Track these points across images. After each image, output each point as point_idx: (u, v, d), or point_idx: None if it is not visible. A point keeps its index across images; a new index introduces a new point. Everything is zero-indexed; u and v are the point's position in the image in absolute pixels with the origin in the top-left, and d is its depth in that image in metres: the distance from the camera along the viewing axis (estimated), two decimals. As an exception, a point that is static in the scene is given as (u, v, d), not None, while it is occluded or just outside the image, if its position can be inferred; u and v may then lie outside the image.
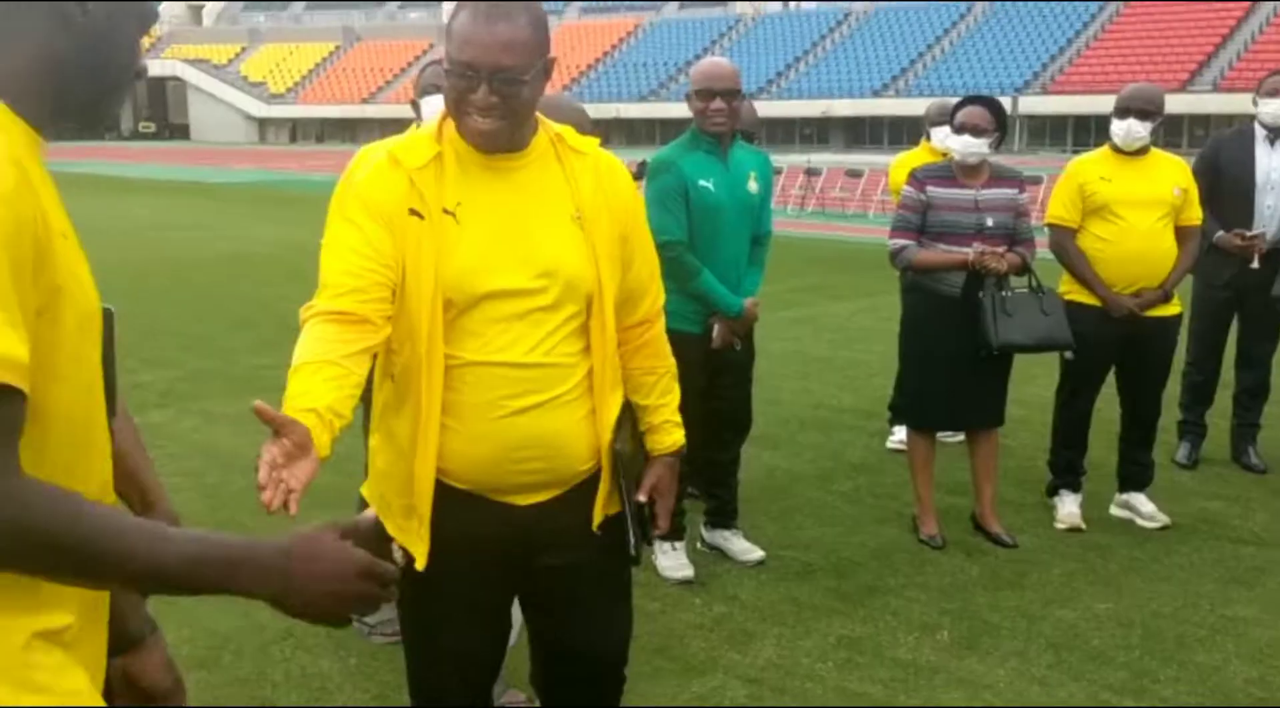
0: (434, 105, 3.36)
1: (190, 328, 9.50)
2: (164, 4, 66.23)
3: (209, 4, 68.22)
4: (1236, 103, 28.68)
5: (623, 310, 2.28)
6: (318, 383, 1.94)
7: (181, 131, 62.17)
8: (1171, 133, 33.72)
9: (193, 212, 20.74)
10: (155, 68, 63.12)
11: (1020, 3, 47.83)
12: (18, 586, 1.32)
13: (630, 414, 2.33)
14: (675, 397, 2.44)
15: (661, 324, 2.43)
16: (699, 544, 4.65)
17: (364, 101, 57.49)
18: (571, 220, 2.18)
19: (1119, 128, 4.80)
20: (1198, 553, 4.59)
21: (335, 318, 2.02)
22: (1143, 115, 4.73)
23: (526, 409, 2.14)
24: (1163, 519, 4.84)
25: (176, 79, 62.53)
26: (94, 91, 1.49)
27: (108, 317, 1.80)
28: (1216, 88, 37.39)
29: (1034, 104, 41.34)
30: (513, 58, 2.03)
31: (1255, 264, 5.38)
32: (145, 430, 6.16)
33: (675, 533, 4.39)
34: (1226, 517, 4.99)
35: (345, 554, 1.46)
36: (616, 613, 2.45)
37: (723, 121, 4.13)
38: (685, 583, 4.29)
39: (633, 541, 2.29)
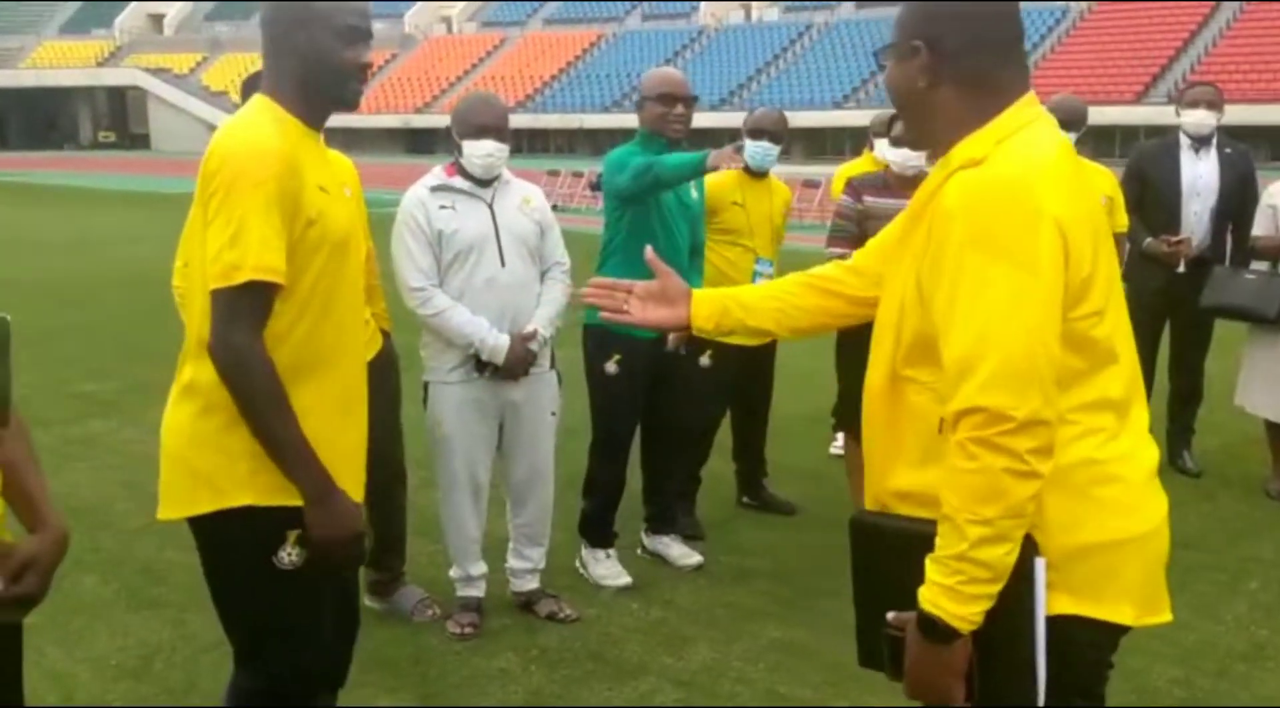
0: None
1: (139, 340, 9.39)
2: (123, 14, 65.83)
3: (170, 14, 67.72)
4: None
5: None
6: (758, 287, 2.30)
7: (142, 141, 61.58)
8: (1128, 142, 34.15)
9: (150, 223, 20.51)
10: (114, 77, 62.66)
11: (979, 15, 48.13)
12: None
13: None
14: None
15: None
16: (639, 550, 4.66)
17: (326, 112, 57.08)
18: None
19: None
20: (1130, 555, 4.64)
21: None
22: (1068, 127, 4.81)
23: None
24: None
25: (136, 89, 61.98)
26: (327, 89, 2.36)
27: (2, 325, 1.80)
28: (1170, 99, 37.96)
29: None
30: None
31: (1182, 268, 5.46)
32: (84, 441, 6.16)
33: (606, 541, 4.42)
34: (1160, 520, 5.06)
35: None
36: None
37: (681, 127, 4.22)
38: (623, 590, 4.30)
39: None
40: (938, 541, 1.72)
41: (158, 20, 68.43)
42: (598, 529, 4.42)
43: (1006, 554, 1.69)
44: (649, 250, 2.25)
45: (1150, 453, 1.92)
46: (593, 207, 19.92)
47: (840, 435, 6.01)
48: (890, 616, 1.83)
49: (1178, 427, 5.81)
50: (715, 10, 55.11)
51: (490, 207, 3.83)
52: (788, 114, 5.36)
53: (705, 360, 4.49)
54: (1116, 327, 1.84)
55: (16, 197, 26.95)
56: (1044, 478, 1.68)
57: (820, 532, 4.94)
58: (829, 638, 3.91)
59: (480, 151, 3.77)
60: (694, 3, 55.87)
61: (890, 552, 1.86)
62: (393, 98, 53.64)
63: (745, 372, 4.98)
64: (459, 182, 3.83)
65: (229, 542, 2.33)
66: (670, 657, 3.78)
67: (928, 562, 1.73)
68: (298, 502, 2.27)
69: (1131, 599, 1.86)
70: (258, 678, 2.45)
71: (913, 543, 1.77)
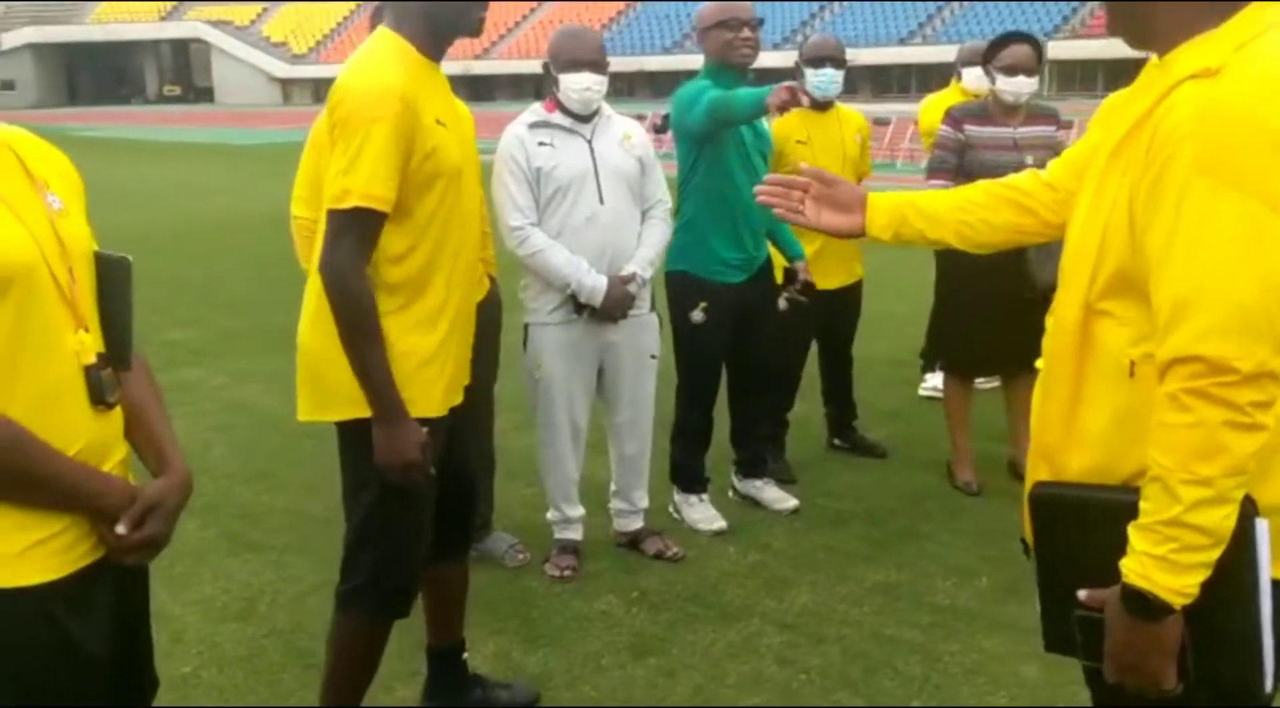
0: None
1: (221, 288, 9.54)
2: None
3: (229, -35, 67.96)
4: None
5: None
6: (943, 194, 2.09)
7: (206, 94, 62.20)
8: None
9: (221, 174, 20.79)
10: (176, 30, 63.17)
11: (1050, -55, 46.94)
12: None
13: None
14: None
15: None
16: (730, 493, 4.63)
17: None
18: None
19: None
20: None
21: None
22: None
23: None
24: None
25: (199, 41, 62.49)
26: (448, 16, 2.52)
27: (124, 266, 1.78)
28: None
29: (1064, 49, 40.65)
30: None
31: None
32: (176, 388, 6.22)
33: (699, 485, 4.39)
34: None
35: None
36: None
37: (751, 52, 4.06)
38: (719, 534, 4.28)
39: None
40: (1144, 505, 1.55)
41: (218, -28, 68.73)
42: (689, 474, 4.39)
43: (1226, 517, 1.50)
44: (804, 165, 2.13)
45: None
46: (658, 150, 19.77)
47: (930, 376, 5.92)
48: (1083, 594, 1.66)
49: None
50: (776, -53, 54.15)
51: (590, 143, 3.77)
52: (851, 52, 5.08)
53: (783, 303, 4.38)
54: None
55: (90, 150, 27.29)
56: (1268, 431, 1.50)
57: (913, 474, 4.87)
58: (932, 580, 3.86)
59: (579, 84, 3.71)
60: (755, -60, 54.92)
61: (1080, 525, 1.69)
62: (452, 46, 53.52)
63: (830, 313, 4.88)
64: (558, 117, 3.77)
65: (350, 447, 2.60)
66: (773, 600, 3.75)
67: (1132, 530, 1.56)
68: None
69: None
70: (349, 579, 2.71)
71: (1108, 513, 1.61)
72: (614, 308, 3.78)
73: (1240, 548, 1.55)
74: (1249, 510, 1.55)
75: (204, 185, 18.49)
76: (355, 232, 2.41)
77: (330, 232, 2.43)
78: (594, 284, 3.72)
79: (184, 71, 66.12)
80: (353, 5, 62.20)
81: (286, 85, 59.57)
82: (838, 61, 4.67)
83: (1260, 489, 1.56)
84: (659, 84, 42.05)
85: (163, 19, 64.16)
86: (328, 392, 2.54)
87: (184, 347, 7.37)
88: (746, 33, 4.02)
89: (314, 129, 3.52)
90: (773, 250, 4.42)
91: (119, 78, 66.45)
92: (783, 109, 3.64)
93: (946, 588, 3.81)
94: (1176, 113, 1.54)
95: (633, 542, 4.14)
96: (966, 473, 4.69)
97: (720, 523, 4.32)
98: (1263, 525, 1.57)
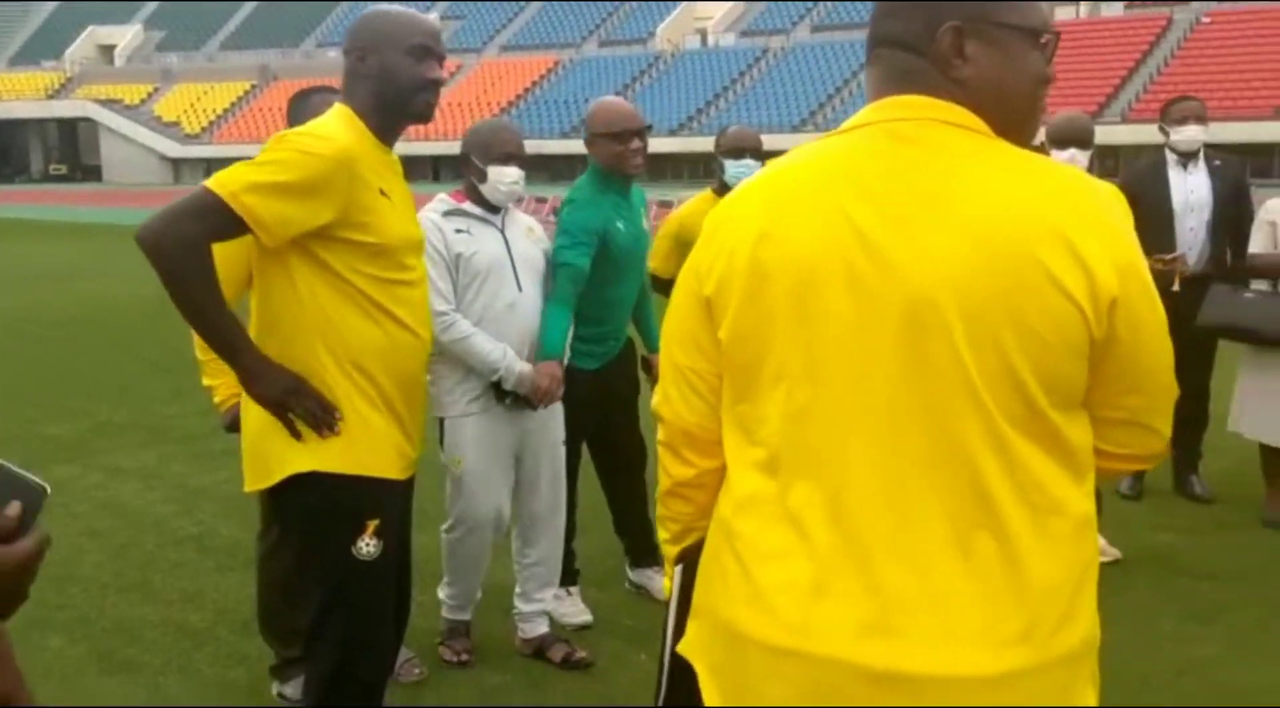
0: None
1: (105, 376, 9.09)
2: (74, 45, 65.17)
3: (121, 44, 67.05)
4: (1144, 133, 29.45)
5: None
6: None
7: (93, 173, 60.82)
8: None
9: (106, 255, 20.14)
10: (65, 109, 61.88)
11: (934, 38, 48.62)
12: None
13: None
14: None
15: None
16: (625, 584, 4.55)
17: (282, 141, 56.70)
18: None
19: (1062, 157, 4.72)
20: (1154, 589, 4.48)
21: None
22: (1083, 145, 4.68)
23: None
24: (1114, 553, 4.72)
25: (87, 120, 61.24)
26: (398, 102, 2.54)
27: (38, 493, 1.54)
28: (1125, 119, 38.37)
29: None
30: None
31: (1176, 287, 5.30)
32: (53, 488, 5.85)
33: (567, 577, 4.25)
34: (1177, 550, 4.90)
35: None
36: None
37: (641, 162, 4.04)
38: (584, 627, 4.15)
39: None
40: None
41: (108, 50, 67.80)
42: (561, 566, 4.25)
43: None
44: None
45: None
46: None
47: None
48: None
49: (1184, 452, 5.67)
50: (671, 36, 55.34)
51: (503, 232, 3.75)
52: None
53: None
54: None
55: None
56: None
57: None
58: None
59: (508, 178, 3.70)
60: (651, 28, 56.14)
61: None
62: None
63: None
64: (470, 207, 3.75)
65: (295, 514, 2.55)
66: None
67: None
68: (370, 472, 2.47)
69: None
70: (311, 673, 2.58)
71: None
72: (544, 397, 3.71)
73: None
74: None
75: (87, 267, 17.87)
76: (213, 221, 2.34)
77: (190, 203, 2.35)
78: (522, 370, 3.66)
79: (70, 149, 64.66)
80: (247, 85, 61.75)
81: (178, 165, 58.56)
82: (757, 153, 4.64)
83: None
84: (556, 167, 42.41)
85: (50, 97, 62.83)
86: (265, 458, 2.50)
87: (59, 442, 6.95)
88: (635, 143, 4.00)
89: None
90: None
91: (3, 156, 64.76)
92: (541, 399, 3.68)
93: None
94: None
95: (538, 649, 3.95)
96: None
97: (585, 617, 4.19)
98: None
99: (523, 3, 62.15)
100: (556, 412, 3.90)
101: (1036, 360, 1.39)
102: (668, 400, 1.65)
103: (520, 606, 3.98)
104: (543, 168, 44.24)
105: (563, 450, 3.95)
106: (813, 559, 1.45)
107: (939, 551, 1.40)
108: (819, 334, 1.45)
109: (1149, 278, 1.45)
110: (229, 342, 2.42)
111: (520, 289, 3.71)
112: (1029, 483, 1.41)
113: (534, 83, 54.82)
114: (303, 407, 2.43)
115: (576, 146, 47.62)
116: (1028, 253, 1.37)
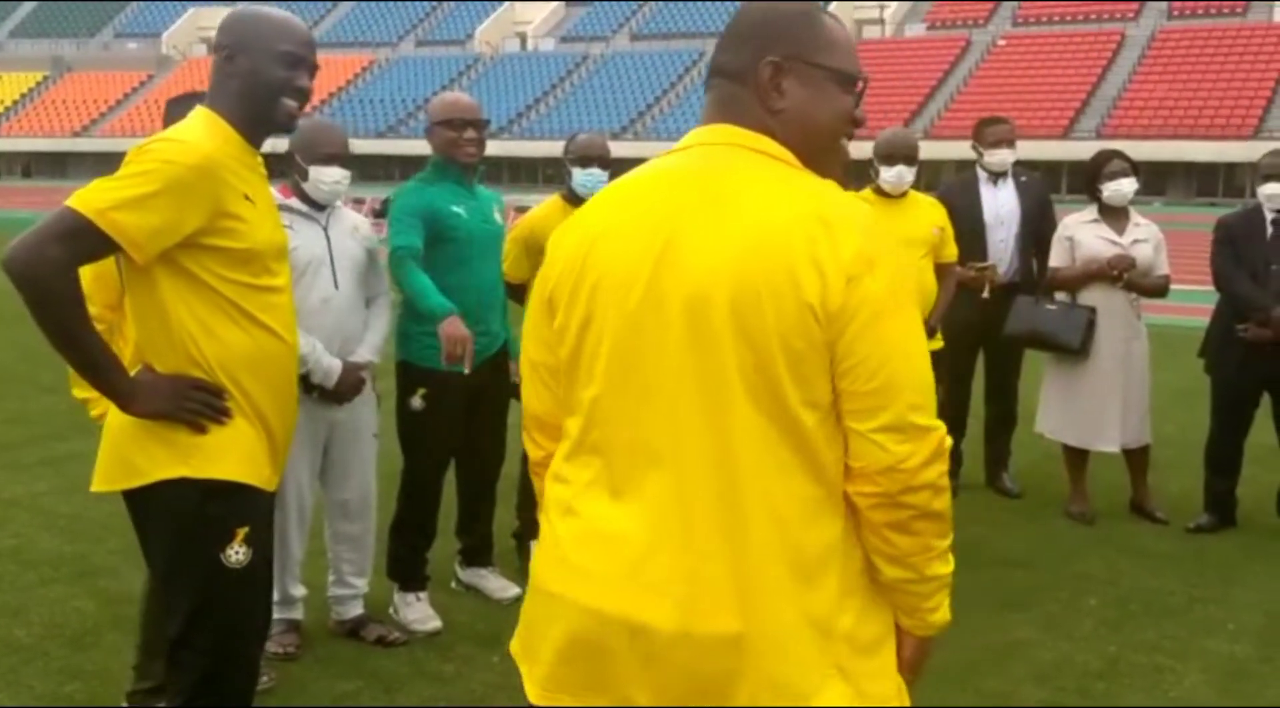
0: None
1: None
2: None
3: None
4: (949, 149, 30.93)
5: None
6: None
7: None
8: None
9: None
10: None
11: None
12: None
13: None
14: None
15: None
16: (453, 583, 4.60)
17: (76, 134, 53.91)
18: None
19: (890, 174, 5.00)
20: (969, 577, 4.75)
21: None
22: (909, 161, 4.96)
23: None
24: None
25: None
26: (262, 108, 2.50)
27: None
28: (928, 135, 40.27)
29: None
30: None
31: (986, 294, 5.65)
32: None
33: (417, 583, 4.30)
34: (989, 541, 5.22)
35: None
36: None
37: (474, 151, 4.15)
38: (435, 634, 4.16)
39: None
40: None
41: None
42: (408, 571, 4.30)
43: None
44: None
45: None
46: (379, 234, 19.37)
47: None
48: None
49: (995, 450, 6.05)
50: (490, 38, 55.09)
51: (325, 230, 3.86)
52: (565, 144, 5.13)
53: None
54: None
55: None
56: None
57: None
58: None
59: (329, 178, 3.83)
60: (469, 30, 55.75)
61: None
62: (150, 120, 51.05)
63: None
64: (295, 203, 3.84)
65: (157, 522, 2.46)
66: None
67: None
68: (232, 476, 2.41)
69: None
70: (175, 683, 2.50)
71: None
72: (348, 392, 3.83)
73: None
74: None
75: None
76: (80, 243, 2.25)
77: (52, 225, 2.25)
78: (329, 365, 3.77)
79: None
80: (39, 76, 58.37)
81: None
82: (604, 162, 4.71)
83: None
84: (370, 167, 41.53)
85: None
86: (131, 458, 2.42)
87: None
88: (470, 132, 4.12)
89: None
90: None
91: None
92: (449, 362, 3.76)
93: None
94: None
95: (352, 630, 4.09)
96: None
97: (435, 623, 4.21)
98: None
99: (332, 2, 60.77)
100: (369, 400, 4.00)
101: (785, 355, 1.60)
102: (525, 390, 1.90)
103: (334, 590, 4.13)
104: (357, 168, 43.30)
105: (374, 442, 4.06)
106: (598, 520, 1.70)
107: (698, 517, 1.63)
108: (616, 330, 1.69)
109: (894, 289, 1.63)
110: (99, 365, 2.35)
111: (337, 287, 3.81)
112: (771, 467, 1.62)
113: (349, 81, 53.68)
114: (195, 403, 2.39)
115: (391, 147, 46.65)
116: (779, 259, 1.59)
